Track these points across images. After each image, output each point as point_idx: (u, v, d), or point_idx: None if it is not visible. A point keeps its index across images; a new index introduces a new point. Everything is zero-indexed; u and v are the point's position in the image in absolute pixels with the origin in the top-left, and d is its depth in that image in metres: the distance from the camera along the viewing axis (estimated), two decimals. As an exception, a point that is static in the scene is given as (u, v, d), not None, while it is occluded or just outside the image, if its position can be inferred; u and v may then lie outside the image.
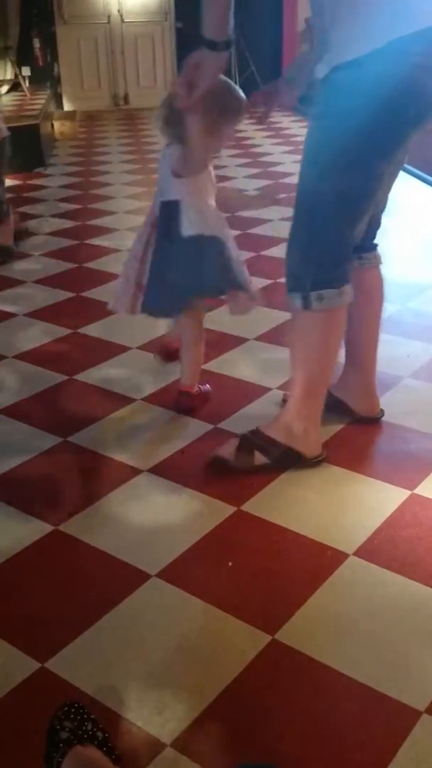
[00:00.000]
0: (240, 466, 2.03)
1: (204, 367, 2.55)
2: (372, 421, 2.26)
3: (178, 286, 2.14)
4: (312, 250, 1.90)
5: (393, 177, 1.99)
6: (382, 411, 2.28)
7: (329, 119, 1.78)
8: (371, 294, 2.14)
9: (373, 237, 2.12)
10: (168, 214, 2.09)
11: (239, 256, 2.19)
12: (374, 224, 2.09)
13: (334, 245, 1.88)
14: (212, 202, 2.12)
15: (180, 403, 2.35)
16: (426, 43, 1.63)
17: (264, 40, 8.89)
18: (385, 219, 2.13)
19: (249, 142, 6.89)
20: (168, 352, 2.51)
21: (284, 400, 2.34)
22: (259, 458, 2.03)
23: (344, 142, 1.75)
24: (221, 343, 2.79)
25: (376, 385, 2.30)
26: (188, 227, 2.07)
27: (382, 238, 2.14)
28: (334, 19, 1.70)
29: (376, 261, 2.14)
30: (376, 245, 2.14)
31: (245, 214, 4.48)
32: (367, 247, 2.08)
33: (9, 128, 4.01)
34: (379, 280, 2.15)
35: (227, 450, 2.06)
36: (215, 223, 2.11)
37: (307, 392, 2.01)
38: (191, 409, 2.34)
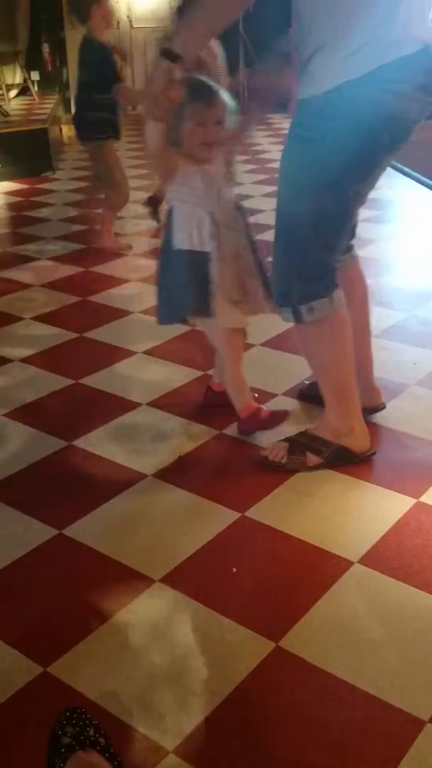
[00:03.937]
0: (293, 468, 2.06)
1: (209, 372, 2.55)
2: (374, 412, 2.28)
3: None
4: (293, 268, 1.93)
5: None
6: (383, 403, 2.31)
7: (307, 142, 1.81)
8: (352, 291, 2.14)
9: (350, 239, 2.13)
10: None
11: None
12: (352, 231, 2.10)
13: (315, 261, 1.91)
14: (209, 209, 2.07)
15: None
16: (404, 70, 1.68)
17: (271, 45, 8.88)
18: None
19: (256, 148, 6.90)
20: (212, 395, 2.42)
21: (301, 390, 2.46)
22: (312, 459, 2.06)
23: (321, 166, 1.79)
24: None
25: (383, 392, 2.32)
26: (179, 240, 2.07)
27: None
28: (317, 45, 1.72)
29: (352, 259, 2.16)
30: (351, 245, 2.16)
31: (252, 219, 4.47)
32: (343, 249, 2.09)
33: (18, 132, 4.07)
34: (356, 275, 2.17)
35: (278, 453, 2.08)
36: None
37: (337, 394, 2.05)
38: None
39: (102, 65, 3.69)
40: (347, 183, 1.81)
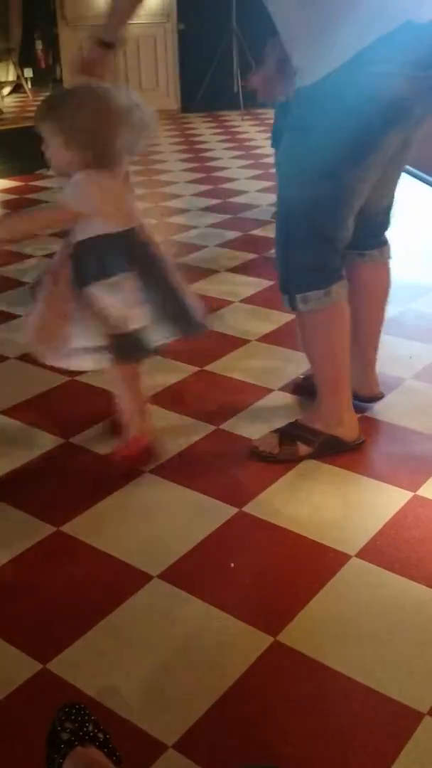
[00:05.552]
0: (285, 458, 2.06)
1: (206, 368, 2.56)
2: (371, 401, 2.30)
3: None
4: (291, 256, 1.94)
5: (392, 178, 2.02)
6: (381, 393, 2.31)
7: (301, 131, 1.82)
8: (372, 289, 2.17)
9: (379, 235, 2.13)
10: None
11: None
12: (380, 222, 2.11)
13: (312, 251, 1.91)
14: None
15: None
16: (388, 49, 1.64)
17: (265, 40, 8.87)
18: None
19: (250, 143, 6.89)
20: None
21: (296, 383, 2.44)
22: (303, 449, 2.07)
23: (315, 154, 1.79)
24: (223, 344, 2.79)
25: (380, 386, 2.31)
26: None
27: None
28: (303, 42, 1.73)
29: (381, 257, 2.15)
30: (383, 242, 2.15)
31: (248, 214, 4.47)
32: (370, 244, 2.10)
33: (11, 130, 4.03)
34: (381, 277, 2.17)
35: (269, 444, 2.09)
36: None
37: (329, 384, 2.06)
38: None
39: None
40: (342, 170, 1.80)
